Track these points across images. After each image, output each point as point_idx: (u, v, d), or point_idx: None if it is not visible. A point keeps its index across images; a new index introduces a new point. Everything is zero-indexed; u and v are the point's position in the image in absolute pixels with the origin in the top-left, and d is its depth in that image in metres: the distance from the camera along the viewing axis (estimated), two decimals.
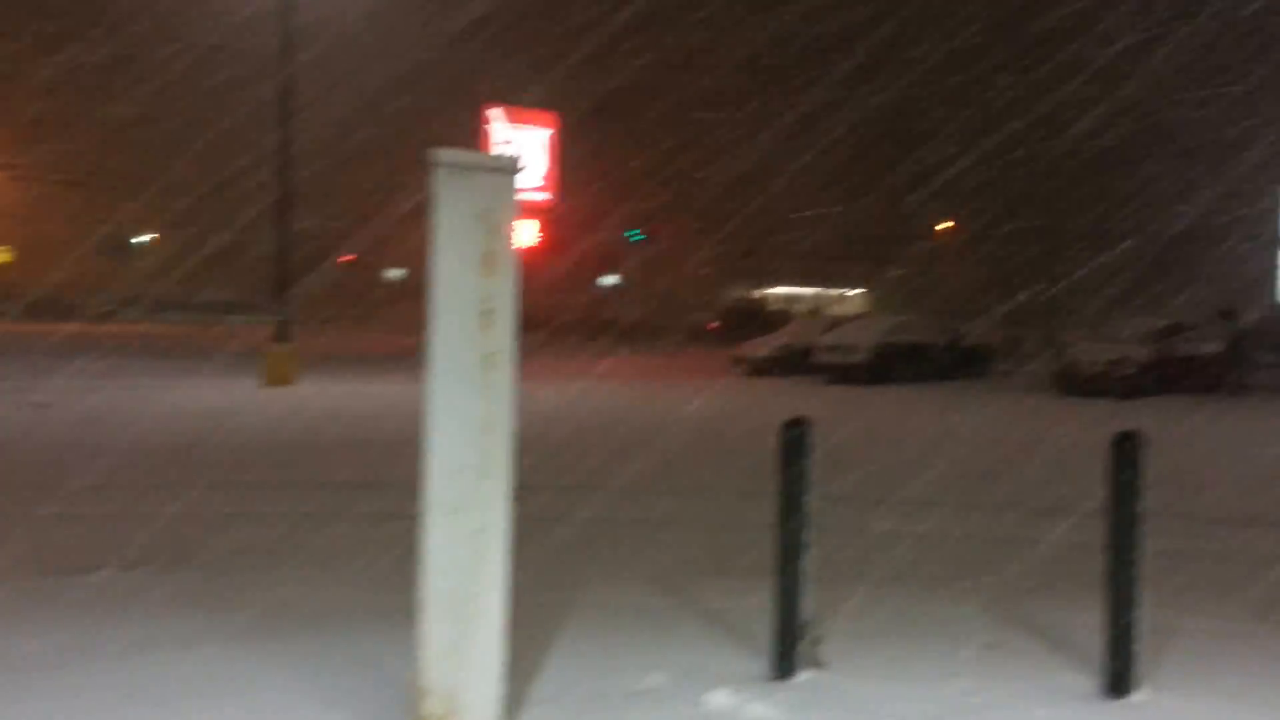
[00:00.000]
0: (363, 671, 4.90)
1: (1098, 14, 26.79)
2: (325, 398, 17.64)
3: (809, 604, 4.88)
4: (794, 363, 25.61)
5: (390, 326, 40.75)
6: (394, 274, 62.87)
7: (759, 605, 5.06)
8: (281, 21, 19.92)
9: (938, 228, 50.84)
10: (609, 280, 44.10)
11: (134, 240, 62.63)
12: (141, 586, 6.23)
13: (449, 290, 4.19)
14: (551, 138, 23.05)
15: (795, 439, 4.91)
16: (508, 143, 22.06)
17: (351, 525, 7.96)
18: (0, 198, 51.04)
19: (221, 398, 17.23)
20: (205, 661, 5.02)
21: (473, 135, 22.30)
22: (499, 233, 4.25)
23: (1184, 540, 7.46)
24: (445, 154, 4.20)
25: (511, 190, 4.31)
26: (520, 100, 23.58)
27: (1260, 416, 15.49)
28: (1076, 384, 20.84)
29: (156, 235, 62.62)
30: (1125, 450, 4.69)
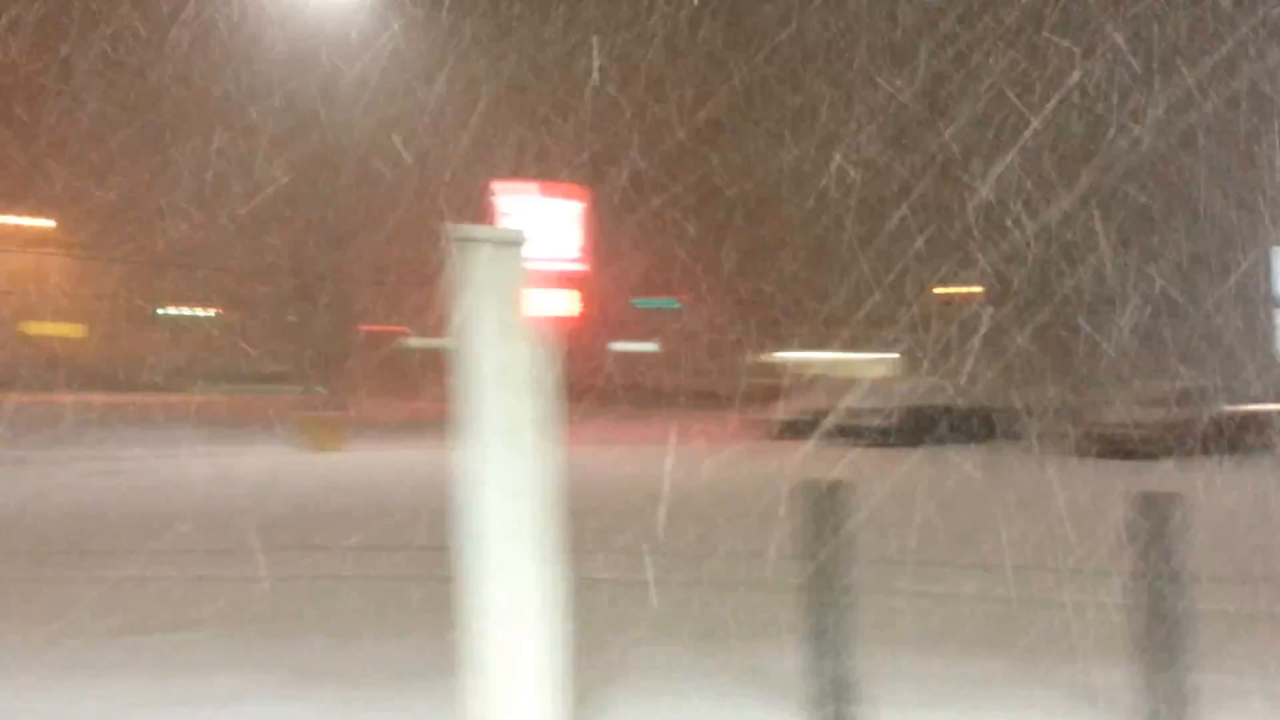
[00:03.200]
0: None
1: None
2: (373, 462, 18.12)
3: (849, 663, 5.09)
4: (821, 425, 25.71)
5: (429, 394, 41.13)
6: (418, 343, 63.22)
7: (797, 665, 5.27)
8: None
9: (963, 291, 50.88)
10: (647, 347, 44.96)
11: (195, 313, 63.45)
12: (193, 646, 6.58)
13: (475, 359, 4.41)
14: (584, 210, 23.65)
15: (833, 501, 5.16)
16: (530, 214, 22.64)
17: (419, 587, 8.16)
18: (68, 277, 52.09)
19: (273, 463, 17.73)
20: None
21: (487, 211, 22.75)
22: (514, 301, 4.51)
23: (1236, 602, 7.40)
24: (459, 229, 4.50)
25: (520, 260, 4.56)
26: (553, 174, 24.22)
27: None
28: (1106, 446, 20.96)
29: (220, 309, 63.39)
30: (1156, 509, 4.91)
